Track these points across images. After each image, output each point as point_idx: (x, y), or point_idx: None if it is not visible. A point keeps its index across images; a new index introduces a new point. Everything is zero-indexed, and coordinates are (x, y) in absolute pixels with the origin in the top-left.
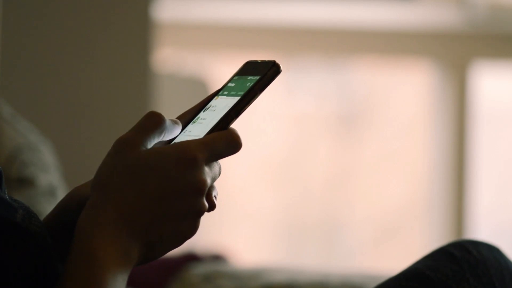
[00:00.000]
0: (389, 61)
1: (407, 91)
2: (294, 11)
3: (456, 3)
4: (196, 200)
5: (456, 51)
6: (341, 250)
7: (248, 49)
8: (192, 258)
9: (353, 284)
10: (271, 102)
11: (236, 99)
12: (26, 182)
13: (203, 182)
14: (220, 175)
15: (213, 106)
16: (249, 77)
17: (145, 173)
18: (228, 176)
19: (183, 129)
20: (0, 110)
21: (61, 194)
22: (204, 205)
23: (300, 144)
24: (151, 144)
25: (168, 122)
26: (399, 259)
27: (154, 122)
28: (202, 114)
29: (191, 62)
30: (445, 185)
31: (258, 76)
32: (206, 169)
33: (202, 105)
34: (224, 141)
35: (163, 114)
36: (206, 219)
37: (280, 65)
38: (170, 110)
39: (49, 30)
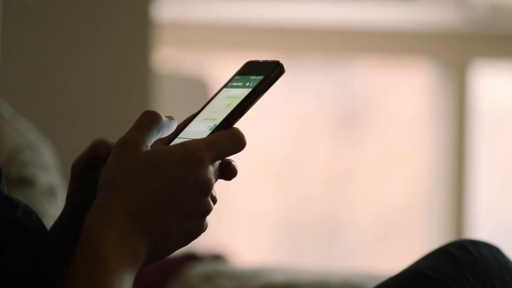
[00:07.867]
0: (389, 61)
1: (407, 91)
2: (294, 11)
3: (456, 3)
4: (202, 200)
5: (456, 51)
6: (341, 250)
7: (248, 49)
8: (192, 258)
9: (353, 284)
10: (272, 102)
11: (240, 98)
12: (26, 182)
13: (209, 182)
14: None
15: (215, 106)
16: (252, 77)
17: (150, 172)
18: None
19: (187, 125)
20: (0, 110)
21: (61, 194)
22: (209, 204)
23: (300, 144)
24: (150, 141)
25: (164, 119)
26: (399, 259)
27: (152, 120)
28: (204, 113)
29: (191, 62)
30: (445, 185)
31: (262, 76)
32: (211, 168)
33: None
34: (229, 140)
35: (163, 114)
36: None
37: (284, 65)
38: (170, 110)
39: (49, 30)
